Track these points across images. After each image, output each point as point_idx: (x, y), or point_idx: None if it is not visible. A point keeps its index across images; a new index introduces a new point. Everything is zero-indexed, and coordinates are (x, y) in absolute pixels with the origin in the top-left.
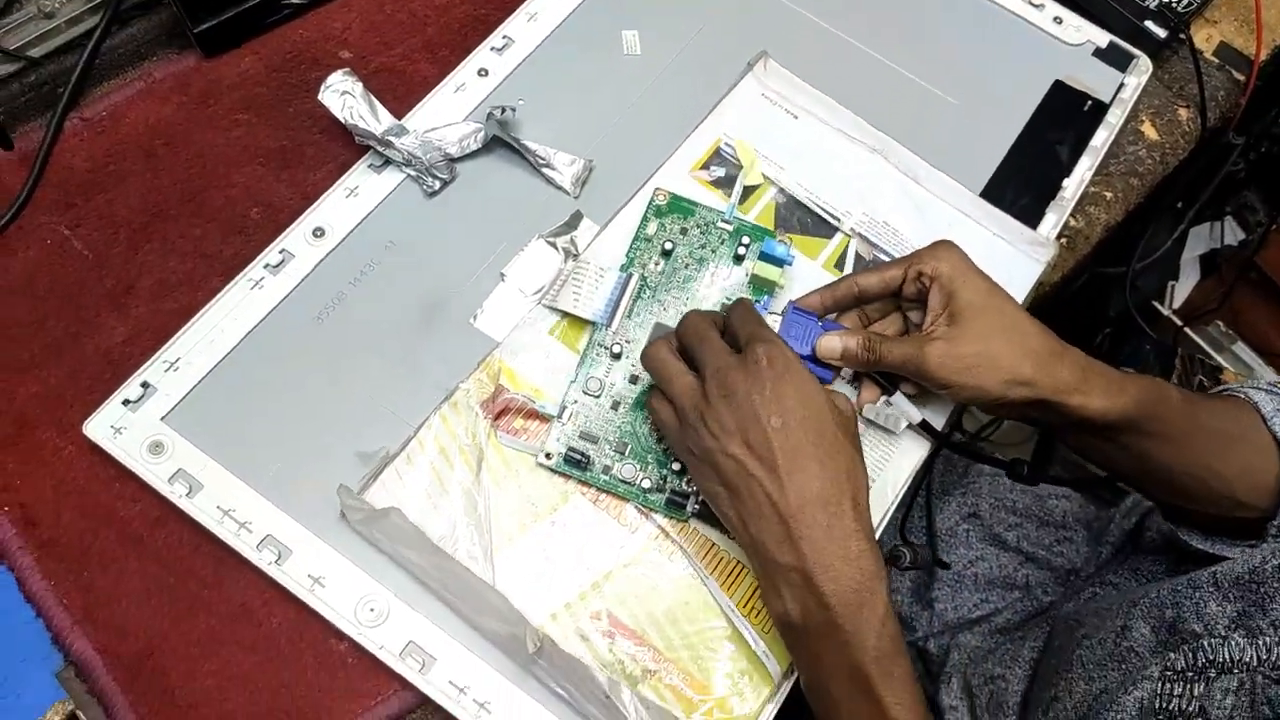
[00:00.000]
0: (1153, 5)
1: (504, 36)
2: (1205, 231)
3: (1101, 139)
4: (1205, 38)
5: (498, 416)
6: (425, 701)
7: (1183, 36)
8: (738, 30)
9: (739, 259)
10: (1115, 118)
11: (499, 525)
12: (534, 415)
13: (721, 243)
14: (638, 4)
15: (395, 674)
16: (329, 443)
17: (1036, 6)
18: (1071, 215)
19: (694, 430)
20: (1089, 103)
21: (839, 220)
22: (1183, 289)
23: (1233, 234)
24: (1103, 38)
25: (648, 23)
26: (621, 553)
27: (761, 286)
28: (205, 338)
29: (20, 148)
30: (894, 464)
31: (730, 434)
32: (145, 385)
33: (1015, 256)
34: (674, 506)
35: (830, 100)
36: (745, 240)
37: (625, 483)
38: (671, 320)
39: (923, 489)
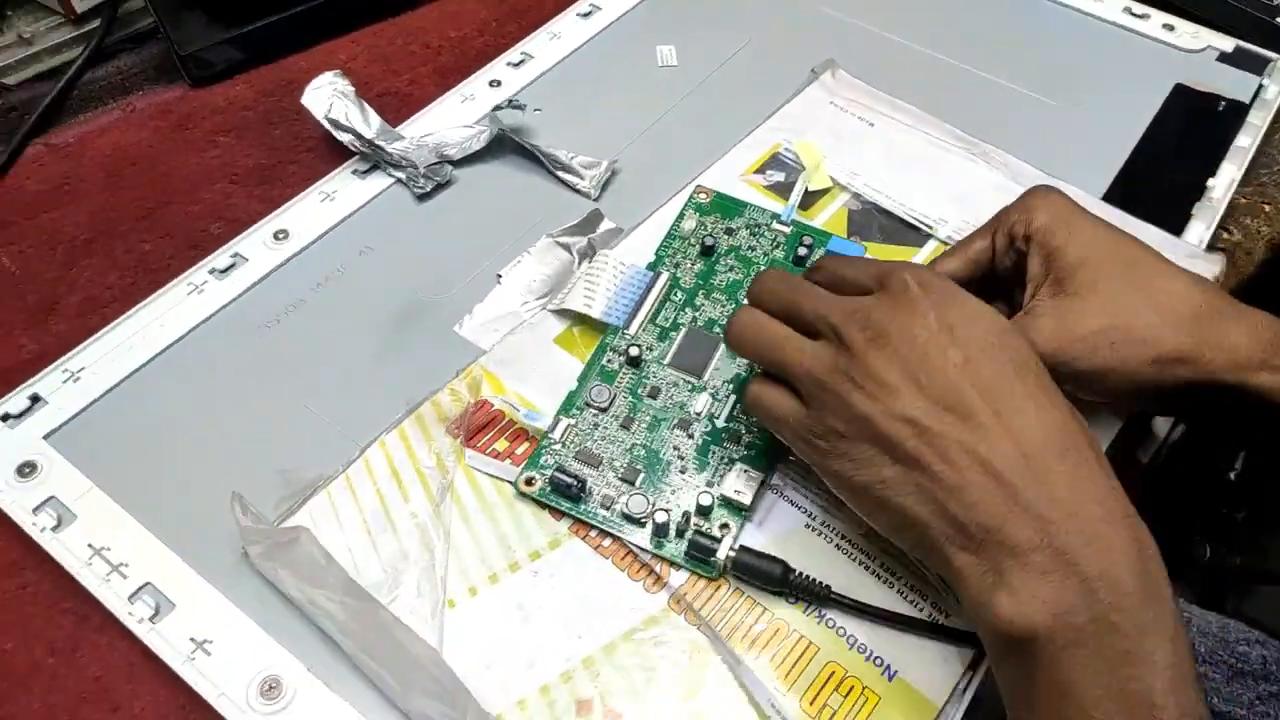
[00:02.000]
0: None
1: (521, 53)
2: None
3: (1247, 140)
4: None
5: (474, 435)
6: None
7: None
8: (790, 43)
9: (800, 261)
10: (1259, 119)
11: (460, 573)
12: (521, 435)
13: (776, 246)
14: (672, 21)
15: None
16: (251, 469)
17: (1140, 17)
18: (1224, 228)
19: (837, 401)
20: (1223, 103)
21: (931, 228)
22: None
23: None
24: (1227, 43)
25: (685, 38)
26: (630, 617)
27: None
28: (121, 344)
29: None
30: None
31: (894, 389)
32: (34, 399)
33: None
34: (697, 559)
35: (914, 108)
36: (807, 241)
37: (632, 520)
38: (710, 327)
39: None
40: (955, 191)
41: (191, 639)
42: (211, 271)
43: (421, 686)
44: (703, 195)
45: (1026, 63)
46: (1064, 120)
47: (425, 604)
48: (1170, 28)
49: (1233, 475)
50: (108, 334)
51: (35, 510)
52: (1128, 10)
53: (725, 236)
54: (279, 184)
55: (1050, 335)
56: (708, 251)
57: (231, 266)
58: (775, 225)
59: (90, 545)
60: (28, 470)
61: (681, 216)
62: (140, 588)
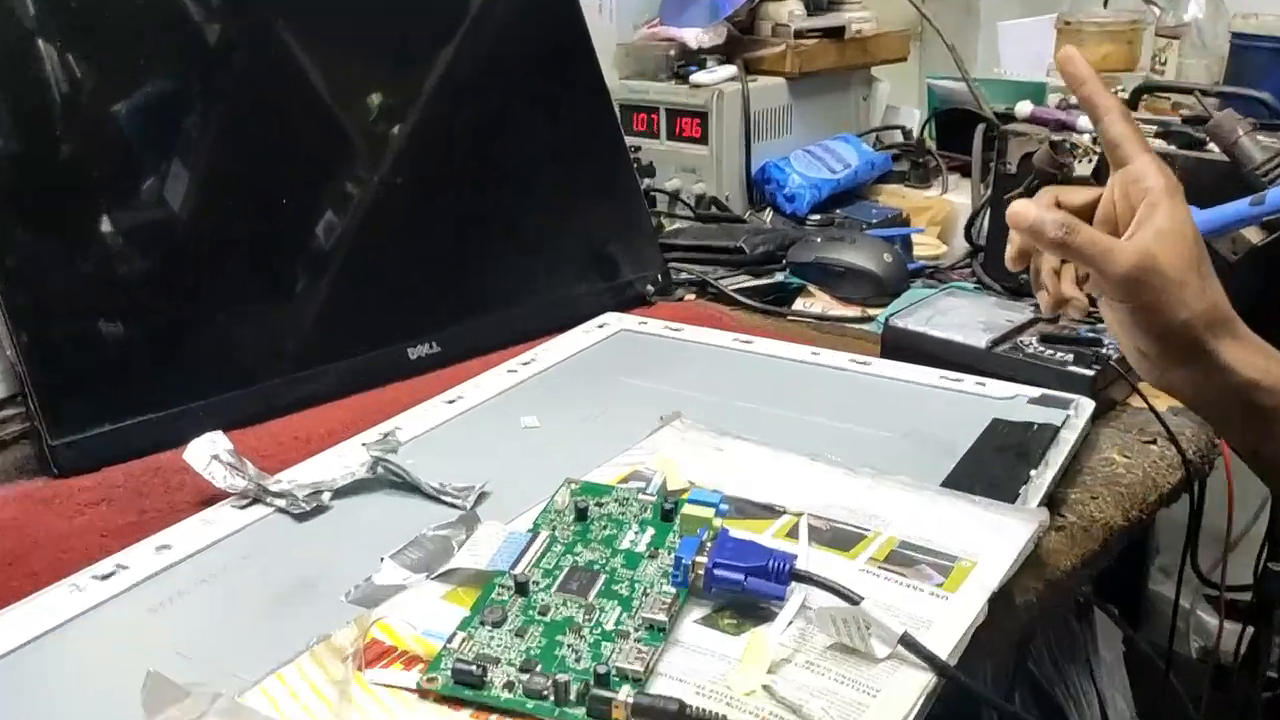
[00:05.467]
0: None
1: (392, 428)
2: None
3: (1061, 451)
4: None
5: (370, 662)
6: None
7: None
8: (637, 408)
9: (667, 515)
10: (1070, 435)
11: None
12: (416, 660)
13: (644, 510)
14: (532, 404)
15: None
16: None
17: (955, 380)
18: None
19: None
20: (1035, 426)
21: (783, 508)
22: None
23: None
24: (1034, 391)
25: (545, 411)
26: None
27: (693, 526)
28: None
29: None
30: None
31: None
32: None
33: (1001, 521)
34: (598, 712)
35: (754, 439)
36: (669, 505)
37: (535, 696)
38: (590, 566)
39: None
40: (801, 484)
41: None
42: (94, 577)
43: None
44: (573, 483)
45: (854, 413)
46: (891, 447)
47: None
48: (983, 384)
49: None
50: None
51: None
52: (944, 376)
53: (596, 506)
54: (152, 531)
55: (1140, 248)
56: (582, 515)
57: (112, 574)
58: (641, 496)
59: None
60: None
61: (554, 497)
62: None
